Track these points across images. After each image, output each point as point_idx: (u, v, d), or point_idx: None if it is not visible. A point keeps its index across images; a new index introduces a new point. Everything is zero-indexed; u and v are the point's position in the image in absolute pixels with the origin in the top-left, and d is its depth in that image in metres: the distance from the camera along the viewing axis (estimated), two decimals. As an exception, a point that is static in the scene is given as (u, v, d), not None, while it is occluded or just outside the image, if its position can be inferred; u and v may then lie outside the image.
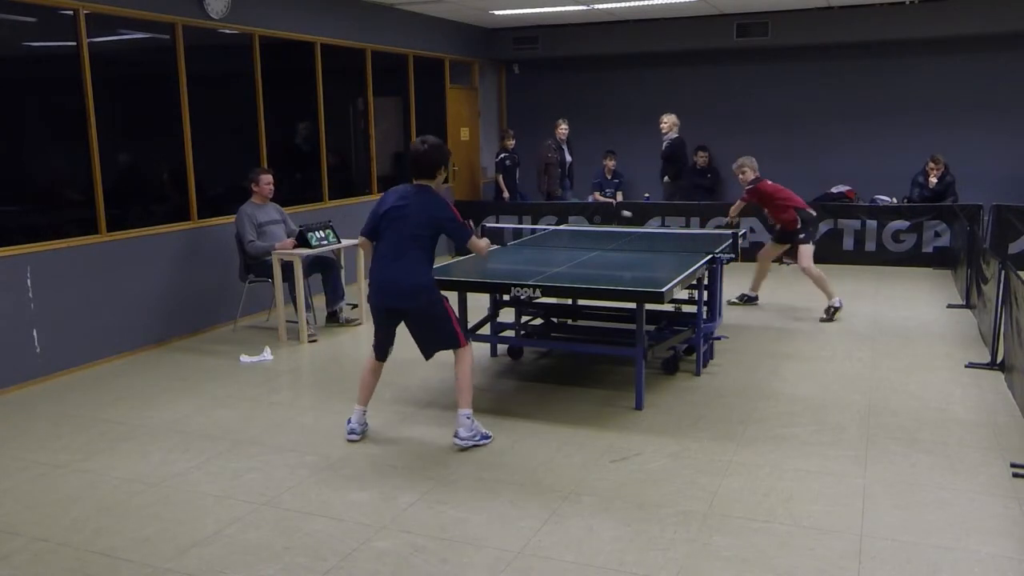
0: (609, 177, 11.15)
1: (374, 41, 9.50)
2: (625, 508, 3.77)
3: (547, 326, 6.62)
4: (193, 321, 7.18)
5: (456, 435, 4.51)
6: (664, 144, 10.51)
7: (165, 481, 4.18)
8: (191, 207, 7.17)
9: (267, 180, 7.01)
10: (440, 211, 4.43)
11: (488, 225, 8.73)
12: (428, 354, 4.65)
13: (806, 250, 7.36)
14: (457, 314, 4.86)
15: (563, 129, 10.57)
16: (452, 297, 5.48)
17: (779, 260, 8.44)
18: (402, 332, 4.57)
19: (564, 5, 9.77)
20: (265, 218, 7.00)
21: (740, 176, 7.58)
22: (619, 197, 10.80)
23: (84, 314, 6.21)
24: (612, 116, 10.57)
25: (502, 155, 11.29)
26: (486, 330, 5.91)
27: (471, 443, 4.49)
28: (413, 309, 4.47)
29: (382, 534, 3.59)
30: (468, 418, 4.50)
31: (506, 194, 11.24)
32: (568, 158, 10.81)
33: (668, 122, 10.42)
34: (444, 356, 4.48)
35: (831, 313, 7.28)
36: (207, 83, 7.25)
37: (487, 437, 4.56)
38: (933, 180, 9.90)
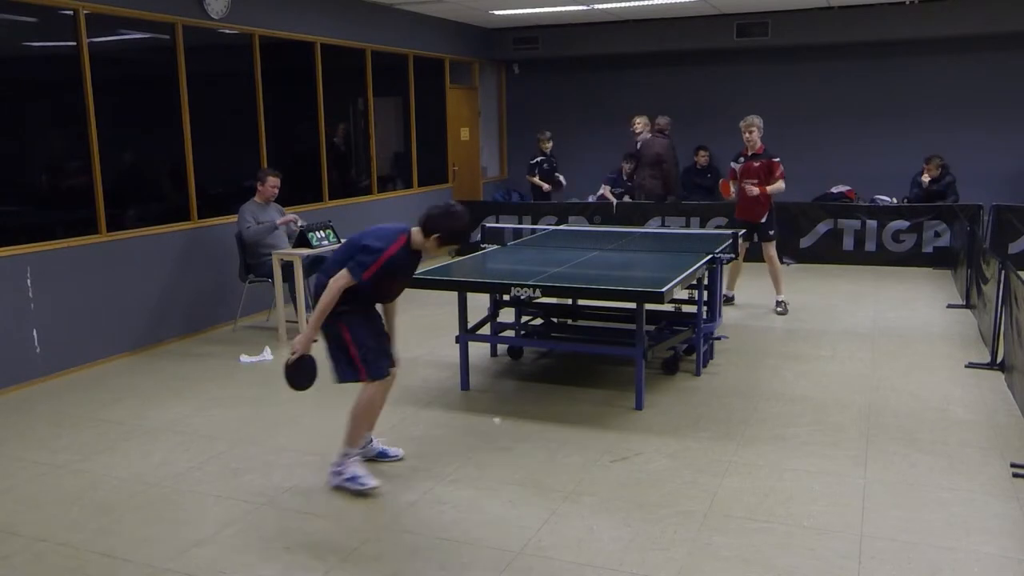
0: (624, 179, 11.10)
1: (374, 41, 9.50)
2: (625, 508, 3.77)
3: (547, 326, 6.61)
4: (193, 321, 7.18)
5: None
6: (638, 144, 10.48)
7: (165, 481, 4.18)
8: (191, 207, 7.17)
9: (273, 183, 7.01)
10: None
11: (488, 225, 8.70)
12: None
13: (771, 246, 7.71)
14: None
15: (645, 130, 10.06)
16: (452, 297, 5.51)
17: (780, 260, 8.42)
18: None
19: (564, 5, 9.77)
20: (266, 218, 7.00)
21: (747, 135, 7.48)
22: (625, 199, 10.77)
23: (84, 314, 6.21)
24: (612, 116, 10.56)
25: (539, 158, 11.03)
26: (486, 330, 5.91)
27: (337, 482, 4.03)
28: None
29: (382, 534, 3.59)
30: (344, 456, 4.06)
31: (547, 188, 10.98)
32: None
33: (640, 123, 10.37)
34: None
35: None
36: (207, 83, 7.25)
37: (354, 479, 3.96)
38: (927, 178, 9.81)
